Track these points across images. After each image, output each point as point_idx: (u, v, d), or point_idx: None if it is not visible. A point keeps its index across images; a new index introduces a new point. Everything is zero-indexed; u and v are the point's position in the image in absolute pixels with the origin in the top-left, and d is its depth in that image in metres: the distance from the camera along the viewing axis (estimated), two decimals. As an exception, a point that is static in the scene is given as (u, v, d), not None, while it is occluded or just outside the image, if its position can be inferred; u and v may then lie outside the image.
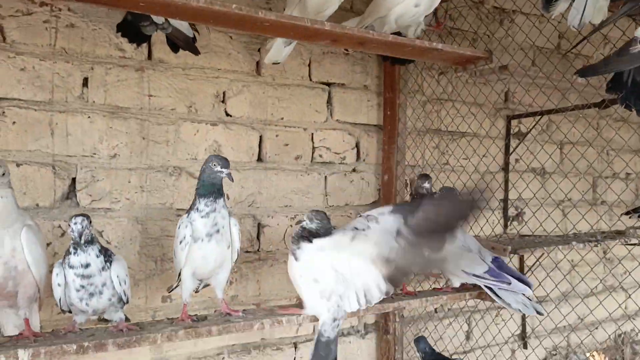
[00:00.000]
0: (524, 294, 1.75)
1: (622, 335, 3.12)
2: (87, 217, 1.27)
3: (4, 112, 1.61)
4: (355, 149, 2.31)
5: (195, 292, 1.65)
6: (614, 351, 3.09)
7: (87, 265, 1.24)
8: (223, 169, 1.40)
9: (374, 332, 2.27)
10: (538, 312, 1.76)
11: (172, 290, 1.65)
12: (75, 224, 1.24)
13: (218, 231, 1.38)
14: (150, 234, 1.83)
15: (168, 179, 1.86)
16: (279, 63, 1.93)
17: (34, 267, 1.23)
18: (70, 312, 1.33)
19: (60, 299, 1.29)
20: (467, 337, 2.56)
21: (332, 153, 2.24)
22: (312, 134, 2.19)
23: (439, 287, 1.96)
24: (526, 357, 2.52)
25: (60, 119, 1.69)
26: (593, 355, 2.97)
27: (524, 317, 2.73)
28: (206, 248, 1.37)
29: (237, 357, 1.94)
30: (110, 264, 1.28)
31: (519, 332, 2.72)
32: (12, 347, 1.12)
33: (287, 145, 2.12)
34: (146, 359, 1.77)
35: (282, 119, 2.11)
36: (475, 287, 1.81)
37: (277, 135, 2.10)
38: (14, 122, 1.62)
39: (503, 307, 1.77)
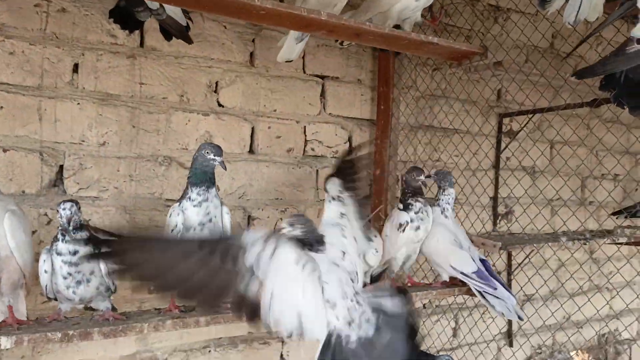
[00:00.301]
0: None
1: (606, 335, 3.16)
2: (76, 203, 1.25)
3: (-10, 96, 1.58)
4: (348, 143, 2.29)
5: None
6: (597, 350, 3.12)
7: (75, 253, 1.22)
8: (216, 157, 1.39)
9: (362, 326, 2.26)
10: (519, 317, 1.77)
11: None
12: (64, 209, 1.22)
13: (210, 220, 1.37)
14: (139, 223, 1.80)
15: (158, 169, 1.84)
16: (292, 61, 1.90)
17: (17, 253, 1.21)
18: (56, 299, 1.31)
19: (46, 286, 1.26)
20: (454, 334, 2.56)
21: (325, 147, 2.22)
22: (305, 126, 2.18)
23: (429, 282, 1.95)
24: (513, 354, 2.53)
25: (49, 105, 1.66)
26: (577, 354, 3.00)
27: (511, 316, 2.74)
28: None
29: (224, 350, 1.93)
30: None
31: (505, 329, 2.73)
32: (-5, 334, 1.10)
33: (279, 138, 2.10)
34: (131, 351, 1.75)
35: (275, 110, 2.09)
36: (464, 283, 1.81)
37: (269, 127, 2.08)
38: (1, 107, 1.59)
39: (486, 307, 1.77)
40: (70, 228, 1.22)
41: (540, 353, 2.82)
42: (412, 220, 1.68)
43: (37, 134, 1.64)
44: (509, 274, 2.70)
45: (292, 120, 2.14)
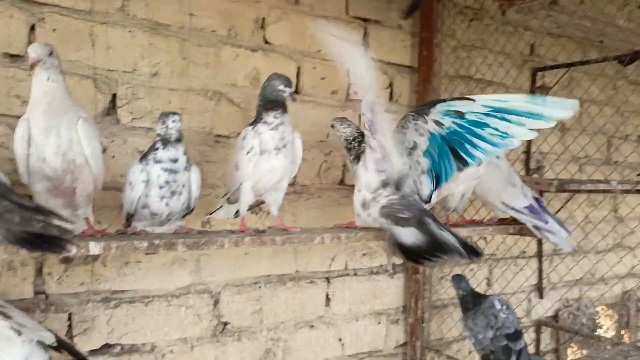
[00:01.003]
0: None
1: (629, 292, 3.20)
2: (180, 115, 1.26)
3: (44, 19, 1.53)
4: (389, 89, 2.26)
5: (234, 217, 1.61)
6: (620, 307, 3.16)
7: (175, 160, 1.22)
8: (285, 89, 1.37)
9: (401, 272, 2.26)
10: (572, 248, 1.77)
11: (213, 213, 1.61)
12: (174, 121, 1.24)
13: (285, 145, 1.35)
14: (190, 158, 1.77)
15: (208, 103, 1.80)
16: None
17: (93, 161, 1.17)
18: (129, 221, 1.29)
19: (138, 199, 1.23)
20: (488, 284, 2.58)
21: (367, 91, 2.19)
22: (349, 69, 2.13)
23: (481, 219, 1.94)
24: (545, 309, 2.57)
25: (101, 31, 1.61)
26: (603, 309, 3.04)
27: (540, 269, 2.76)
28: (273, 161, 1.34)
29: (273, 286, 1.92)
30: (190, 167, 1.27)
31: (536, 282, 2.75)
32: (82, 240, 1.07)
33: (323, 79, 2.07)
34: (186, 283, 1.74)
35: (320, 51, 2.05)
36: (516, 221, 1.81)
37: (314, 68, 2.04)
38: (54, 30, 1.54)
39: (542, 238, 1.76)
40: (174, 140, 1.22)
41: (569, 307, 2.85)
42: None
43: (90, 60, 1.59)
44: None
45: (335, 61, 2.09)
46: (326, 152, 2.08)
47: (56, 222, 0.87)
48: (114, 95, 1.64)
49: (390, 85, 2.26)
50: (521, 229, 1.79)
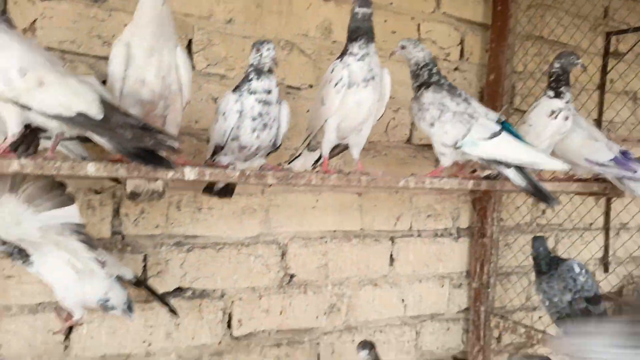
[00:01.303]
0: None
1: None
2: (274, 43, 1.22)
3: (121, -40, 1.52)
4: (460, 46, 2.18)
5: (313, 167, 1.58)
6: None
7: (269, 91, 1.18)
8: (359, 9, 1.30)
9: (466, 236, 2.20)
10: None
11: (292, 162, 1.58)
12: (269, 49, 1.19)
13: (373, 78, 1.30)
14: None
15: (280, 53, 1.77)
16: None
17: (186, 90, 1.16)
18: (213, 156, 1.27)
19: (231, 129, 1.19)
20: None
21: (437, 47, 2.11)
22: (419, 24, 2.06)
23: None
24: (607, 280, 2.46)
25: (178, -27, 1.59)
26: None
27: (607, 243, 2.65)
28: (361, 94, 1.29)
29: (339, 242, 1.90)
30: (281, 100, 1.24)
31: (601, 255, 2.64)
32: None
33: (394, 33, 2.00)
34: (255, 233, 1.73)
35: (391, 4, 1.98)
36: (598, 180, 1.72)
37: (385, 21, 1.98)
38: (133, -29, 1.53)
39: (629, 191, 1.67)
40: (266, 69, 1.18)
41: (633, 283, 2.73)
42: (563, 109, 1.58)
43: (167, 3, 1.58)
44: (608, 200, 2.60)
45: (407, 15, 2.03)
46: (394, 109, 2.02)
47: (166, 140, 0.86)
48: (190, 41, 1.63)
49: (461, 43, 2.18)
50: (605, 189, 1.70)
